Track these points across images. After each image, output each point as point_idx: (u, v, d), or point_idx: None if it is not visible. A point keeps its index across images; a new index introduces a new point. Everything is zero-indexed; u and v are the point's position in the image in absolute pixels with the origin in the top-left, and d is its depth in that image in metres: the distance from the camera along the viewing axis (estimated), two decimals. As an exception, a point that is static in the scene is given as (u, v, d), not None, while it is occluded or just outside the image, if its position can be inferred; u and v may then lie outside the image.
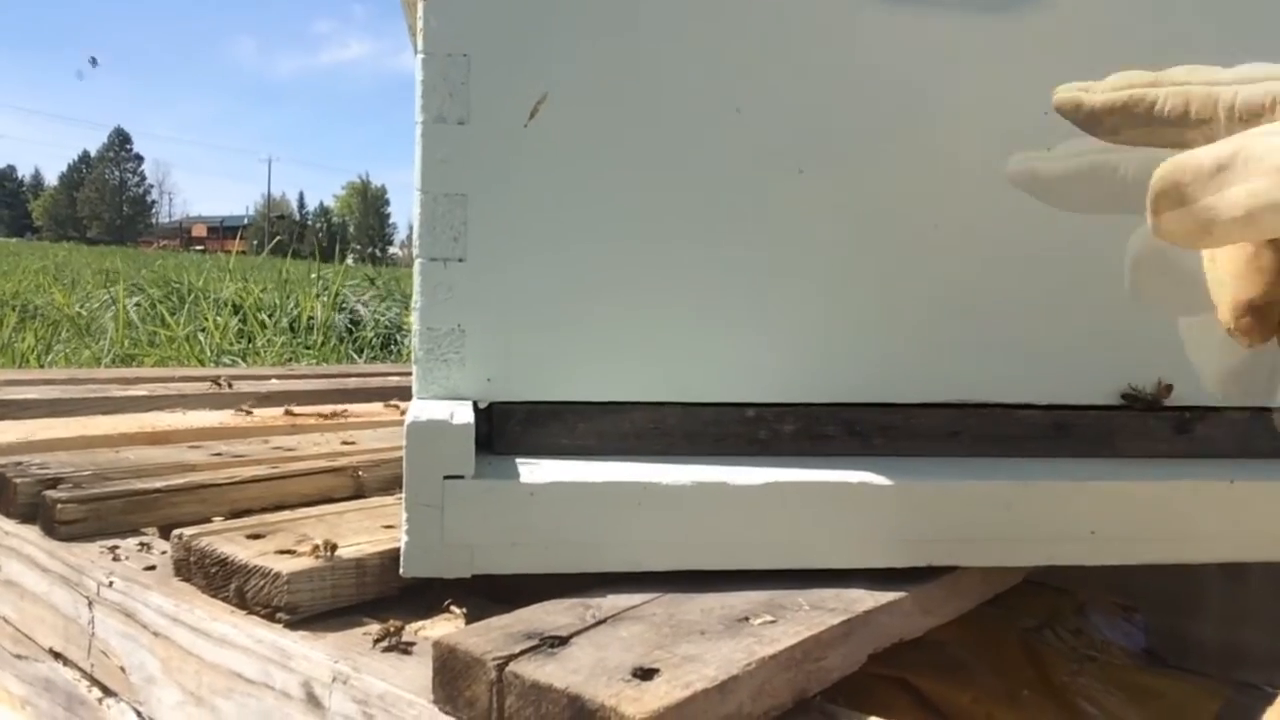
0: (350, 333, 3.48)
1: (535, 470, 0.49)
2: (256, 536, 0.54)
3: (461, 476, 0.47)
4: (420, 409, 0.48)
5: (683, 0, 0.53)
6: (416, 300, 0.51)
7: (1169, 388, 0.59)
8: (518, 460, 0.51)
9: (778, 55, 0.54)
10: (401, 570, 0.48)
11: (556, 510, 0.48)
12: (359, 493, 0.72)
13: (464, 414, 0.48)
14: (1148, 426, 0.59)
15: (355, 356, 3.28)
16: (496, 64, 0.51)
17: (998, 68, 0.55)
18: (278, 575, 0.48)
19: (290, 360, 2.97)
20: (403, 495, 0.47)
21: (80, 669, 0.58)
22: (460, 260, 0.51)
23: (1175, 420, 0.60)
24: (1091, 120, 0.40)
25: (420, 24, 0.51)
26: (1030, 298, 0.57)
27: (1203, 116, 0.37)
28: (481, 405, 0.52)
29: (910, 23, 0.54)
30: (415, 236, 0.52)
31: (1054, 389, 0.58)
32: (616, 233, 0.53)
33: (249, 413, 1.02)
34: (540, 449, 0.53)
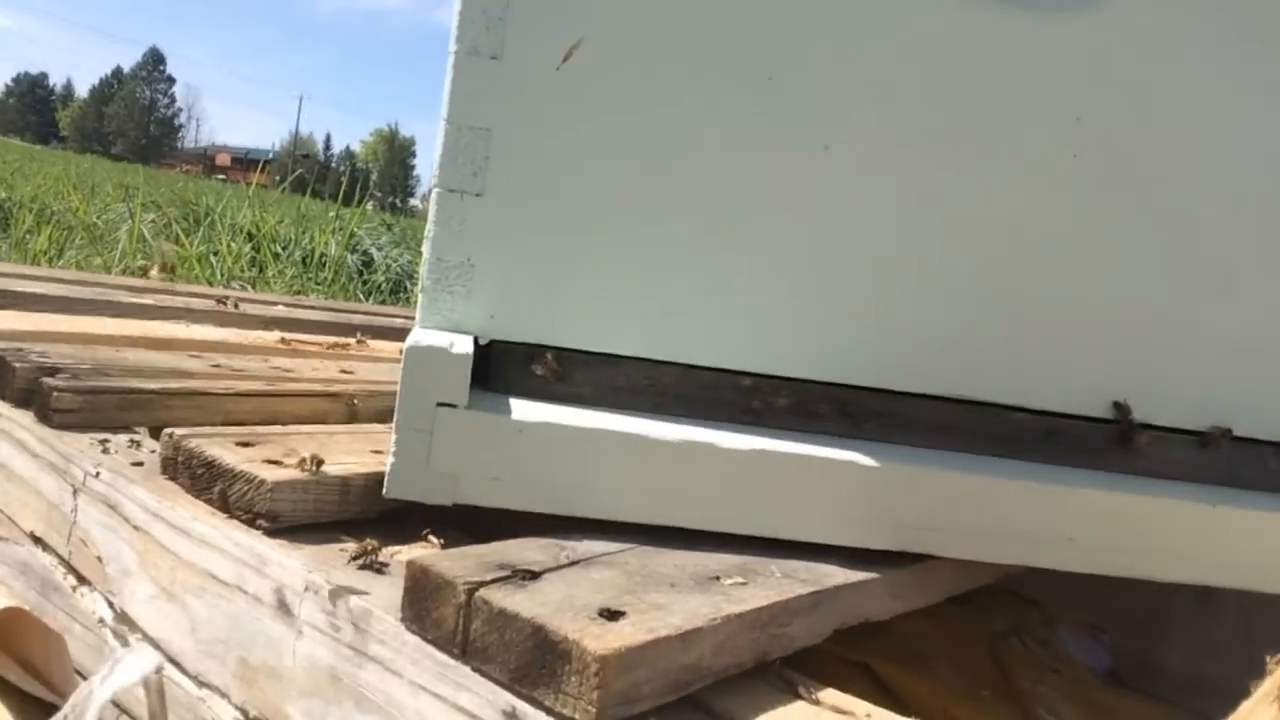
0: (361, 274, 3.48)
1: (527, 409, 0.50)
2: (246, 444, 0.55)
3: (454, 405, 0.47)
4: (421, 335, 0.48)
5: (729, -38, 0.52)
6: (430, 229, 0.51)
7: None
8: (511, 398, 0.51)
9: (816, 31, 0.53)
10: (385, 490, 0.48)
11: (543, 450, 0.48)
12: (352, 419, 0.72)
13: (464, 345, 0.48)
14: (1136, 444, 0.59)
15: (363, 298, 3.28)
16: (537, 3, 0.51)
17: (1035, 65, 0.55)
18: (262, 482, 0.49)
19: (299, 293, 2.98)
20: (394, 417, 0.47)
21: (58, 555, 0.59)
22: (478, 195, 0.51)
23: (1163, 441, 0.60)
24: None
25: (465, -46, 0.51)
26: (1035, 304, 0.57)
27: None
28: (482, 341, 0.52)
29: (955, 11, 0.54)
30: (435, 166, 0.52)
31: (1047, 395, 0.58)
32: (635, 189, 0.53)
33: (291, 338, 1.03)
34: (535, 392, 0.53)
